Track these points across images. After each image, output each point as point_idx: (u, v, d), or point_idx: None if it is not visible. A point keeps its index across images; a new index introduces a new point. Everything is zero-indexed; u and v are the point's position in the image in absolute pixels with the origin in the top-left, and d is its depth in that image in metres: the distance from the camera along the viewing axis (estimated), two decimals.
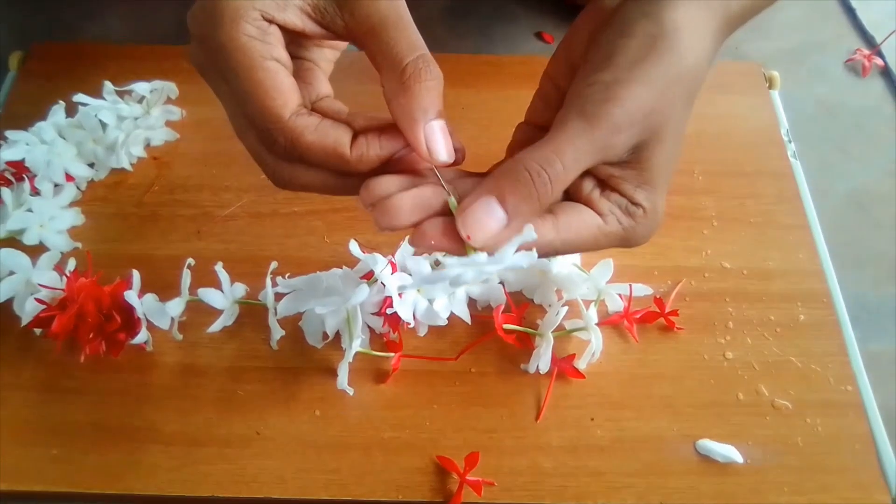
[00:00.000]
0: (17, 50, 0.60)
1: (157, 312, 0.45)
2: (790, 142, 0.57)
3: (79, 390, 0.44)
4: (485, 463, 0.42)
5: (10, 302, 0.46)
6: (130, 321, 0.44)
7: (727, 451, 0.43)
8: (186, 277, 0.45)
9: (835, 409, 0.45)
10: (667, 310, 0.47)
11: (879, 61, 0.66)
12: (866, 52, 0.66)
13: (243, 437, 0.43)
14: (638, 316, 0.47)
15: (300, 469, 0.42)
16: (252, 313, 0.47)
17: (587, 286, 0.47)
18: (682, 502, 0.42)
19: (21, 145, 0.51)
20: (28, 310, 0.44)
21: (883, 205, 0.57)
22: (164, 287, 0.46)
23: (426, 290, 0.45)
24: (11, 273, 0.46)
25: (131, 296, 0.44)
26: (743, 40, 0.67)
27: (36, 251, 0.48)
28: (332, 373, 0.44)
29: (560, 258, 0.47)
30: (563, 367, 0.45)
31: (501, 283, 0.48)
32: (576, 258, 0.48)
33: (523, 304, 0.48)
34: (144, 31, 0.66)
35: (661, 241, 0.52)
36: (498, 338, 0.45)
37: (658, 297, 0.48)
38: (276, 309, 0.45)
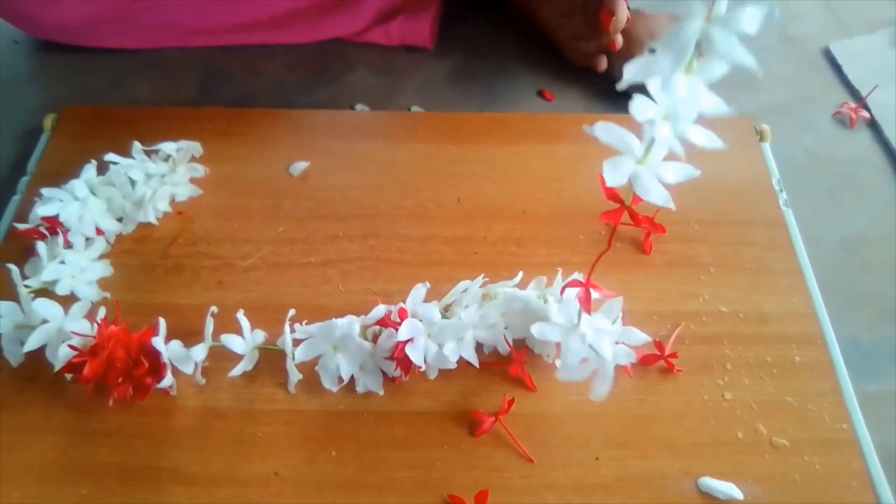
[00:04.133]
0: (51, 113, 0.65)
1: (181, 358, 0.47)
2: (781, 191, 0.60)
3: (106, 433, 0.46)
4: (494, 501, 0.43)
5: (41, 350, 0.48)
6: (157, 366, 0.46)
7: (727, 489, 0.44)
8: (210, 324, 0.48)
9: (831, 447, 0.46)
10: (666, 352, 0.49)
11: (866, 114, 0.69)
12: (853, 105, 0.69)
13: (262, 477, 0.45)
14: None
15: None
16: (271, 358, 0.49)
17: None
18: None
19: (55, 202, 0.54)
20: (61, 356, 0.46)
21: (873, 249, 0.59)
22: (188, 334, 0.48)
23: (436, 336, 0.48)
24: (45, 321, 0.49)
25: (158, 342, 0.46)
26: (736, 95, 0.70)
27: (67, 301, 0.50)
28: (348, 415, 0.46)
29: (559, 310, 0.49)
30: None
31: (506, 328, 0.50)
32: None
33: (524, 350, 0.50)
34: (169, 94, 0.70)
35: (660, 287, 0.54)
36: (505, 379, 0.47)
37: (658, 340, 0.50)
38: (293, 354, 0.47)
